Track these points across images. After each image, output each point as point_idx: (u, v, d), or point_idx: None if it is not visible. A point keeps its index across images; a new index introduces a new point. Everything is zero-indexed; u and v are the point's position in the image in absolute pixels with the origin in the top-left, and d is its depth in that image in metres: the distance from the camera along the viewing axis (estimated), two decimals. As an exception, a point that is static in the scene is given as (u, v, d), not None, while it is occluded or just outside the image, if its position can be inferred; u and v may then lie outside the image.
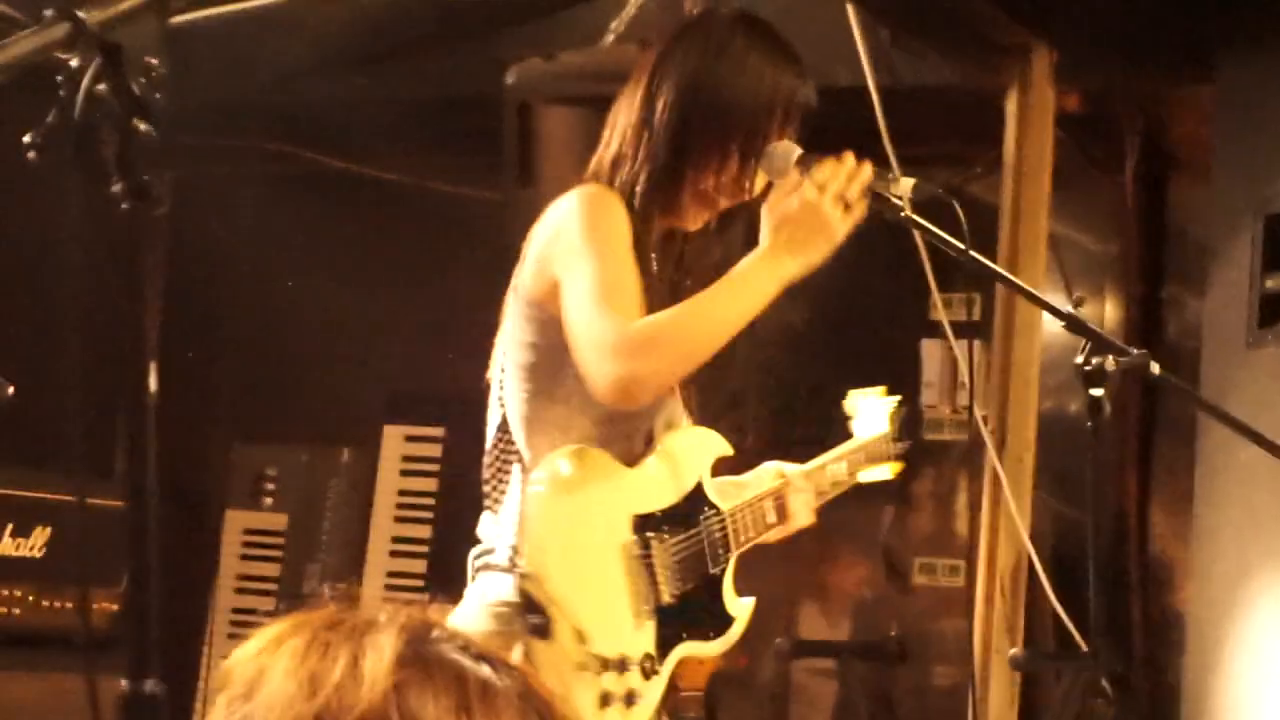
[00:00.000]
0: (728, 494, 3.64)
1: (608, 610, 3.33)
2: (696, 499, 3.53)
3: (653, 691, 3.39)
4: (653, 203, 3.45)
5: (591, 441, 3.38)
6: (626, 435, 3.44)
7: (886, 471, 4.14)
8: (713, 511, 3.54)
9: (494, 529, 3.41)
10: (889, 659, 6.24)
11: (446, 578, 6.34)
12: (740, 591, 3.59)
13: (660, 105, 3.46)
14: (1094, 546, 3.59)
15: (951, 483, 6.33)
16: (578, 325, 3.29)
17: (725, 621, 3.56)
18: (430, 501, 6.44)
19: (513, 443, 3.43)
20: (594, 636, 3.27)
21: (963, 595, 6.13)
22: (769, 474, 3.75)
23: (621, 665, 3.31)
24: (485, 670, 1.40)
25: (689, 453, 3.54)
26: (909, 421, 4.15)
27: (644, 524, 3.41)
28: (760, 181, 3.50)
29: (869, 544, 6.36)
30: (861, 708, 6.44)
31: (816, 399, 6.26)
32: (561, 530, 3.30)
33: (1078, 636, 5.41)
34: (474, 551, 3.44)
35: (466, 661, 1.40)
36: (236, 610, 6.59)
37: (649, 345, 3.25)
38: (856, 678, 6.36)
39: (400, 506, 6.51)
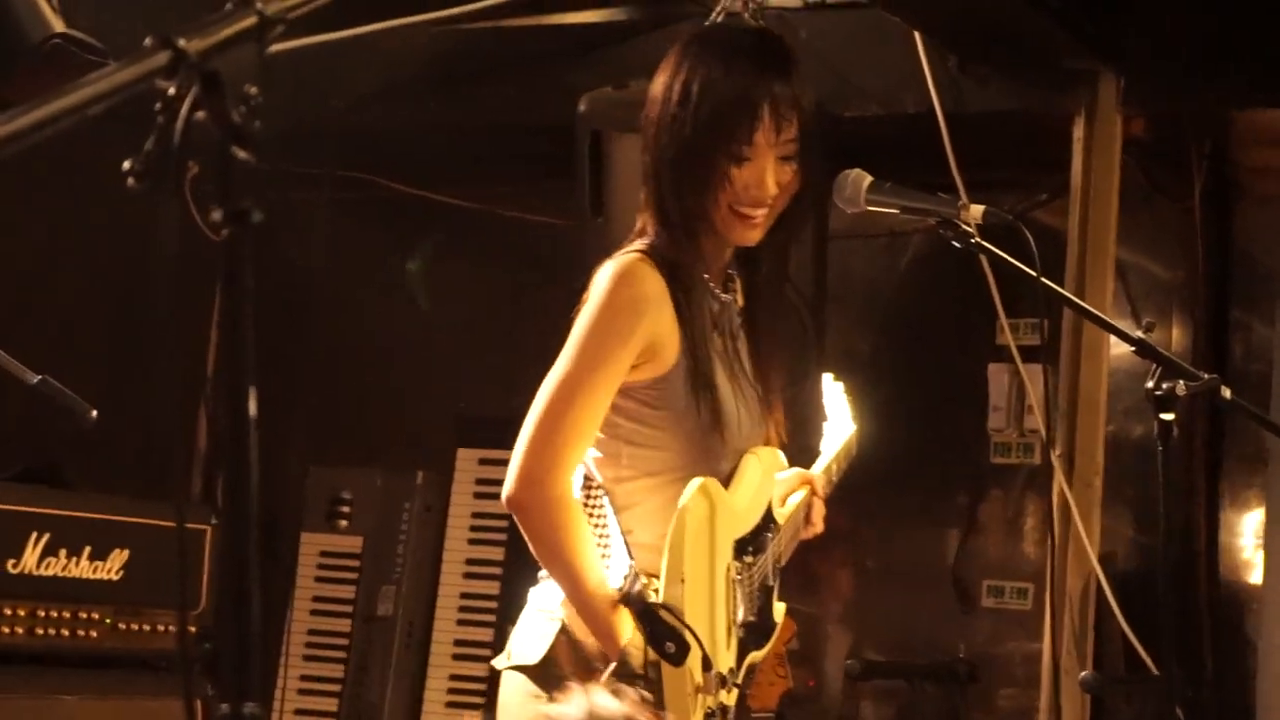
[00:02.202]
0: (784, 507, 3.70)
1: (716, 633, 3.39)
2: (768, 519, 3.58)
3: (732, 702, 3.45)
4: (688, 234, 3.49)
5: (682, 469, 3.44)
6: (716, 457, 3.50)
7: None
8: (775, 529, 3.60)
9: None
10: (958, 681, 6.24)
11: (519, 599, 6.40)
12: (808, 612, 3.65)
13: (661, 133, 3.48)
14: (1165, 569, 3.60)
15: (1019, 506, 6.34)
16: (535, 415, 3.37)
17: (772, 627, 3.63)
18: (503, 524, 6.46)
19: (595, 485, 3.49)
20: (715, 659, 3.34)
21: (1031, 618, 6.14)
22: (795, 479, 3.77)
23: (723, 683, 3.38)
24: None
25: (764, 474, 3.58)
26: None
27: (740, 548, 3.48)
28: (773, 177, 3.48)
29: (937, 566, 6.37)
30: (931, 730, 6.45)
31: (885, 425, 6.29)
32: (692, 562, 3.35)
33: (1147, 659, 5.42)
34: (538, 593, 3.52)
35: None
36: (313, 632, 6.63)
37: (545, 525, 3.35)
38: (925, 699, 6.37)
39: (474, 529, 6.54)
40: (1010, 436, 6.25)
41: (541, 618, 3.44)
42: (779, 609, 3.65)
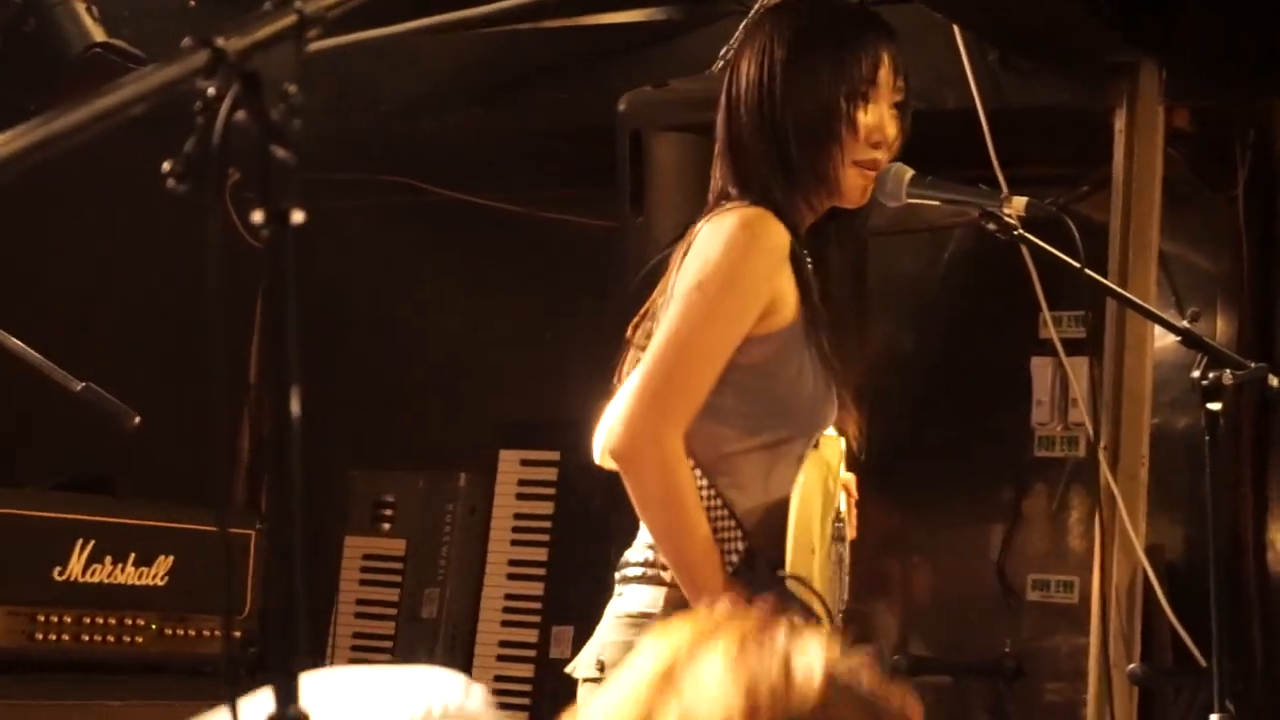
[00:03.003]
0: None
1: (828, 611, 3.36)
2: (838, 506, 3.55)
3: None
4: (799, 188, 3.46)
5: (787, 435, 3.40)
6: (817, 428, 3.46)
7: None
8: (841, 520, 3.56)
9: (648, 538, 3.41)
10: (1004, 676, 6.22)
11: (563, 599, 6.40)
12: (853, 608, 3.60)
13: (769, 83, 3.46)
14: (1214, 561, 3.58)
15: (1064, 499, 6.31)
16: (649, 365, 3.31)
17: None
18: (547, 524, 6.47)
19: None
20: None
21: (1077, 612, 6.12)
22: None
23: None
24: (890, 703, 1.51)
25: (838, 459, 3.53)
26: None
27: (837, 529, 3.45)
28: (891, 127, 3.47)
29: (982, 561, 6.35)
30: (978, 725, 6.43)
31: (929, 420, 6.28)
32: (819, 532, 3.30)
33: (1196, 652, 5.39)
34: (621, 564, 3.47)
35: (877, 691, 1.49)
36: (357, 635, 6.65)
37: (656, 482, 3.28)
38: (971, 695, 6.35)
39: (517, 530, 6.55)
40: (1054, 430, 6.23)
41: (628, 626, 3.38)
42: None
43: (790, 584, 3.22)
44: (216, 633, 5.04)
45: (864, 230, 3.64)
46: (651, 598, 3.37)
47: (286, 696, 1.79)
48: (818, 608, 3.22)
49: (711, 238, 3.36)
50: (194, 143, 1.75)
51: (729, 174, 3.49)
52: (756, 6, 5.03)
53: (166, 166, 1.77)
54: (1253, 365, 3.51)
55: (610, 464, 3.37)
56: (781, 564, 3.26)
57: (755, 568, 3.26)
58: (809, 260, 3.49)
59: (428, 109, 6.17)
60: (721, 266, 3.33)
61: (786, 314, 3.36)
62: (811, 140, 3.42)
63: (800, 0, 3.65)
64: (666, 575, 3.35)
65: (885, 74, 3.45)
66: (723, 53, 5.16)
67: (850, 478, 3.71)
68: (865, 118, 3.43)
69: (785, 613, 3.16)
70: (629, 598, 3.38)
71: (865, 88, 3.43)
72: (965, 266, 6.42)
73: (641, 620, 3.35)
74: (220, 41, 1.71)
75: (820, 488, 3.34)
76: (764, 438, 3.36)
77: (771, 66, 3.45)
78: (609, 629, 3.39)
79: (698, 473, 3.36)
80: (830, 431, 3.56)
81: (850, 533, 3.70)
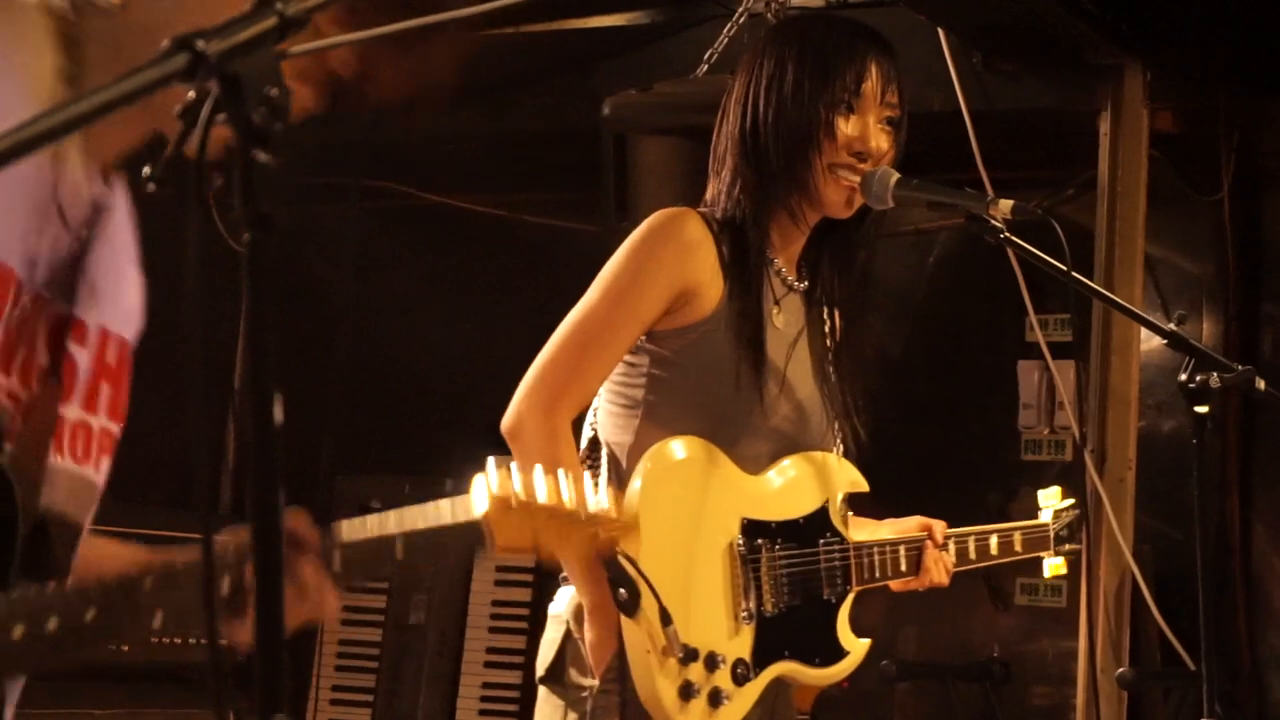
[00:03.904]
0: (860, 529, 3.64)
1: (699, 602, 3.32)
2: (819, 522, 3.51)
3: (744, 698, 3.37)
4: (775, 194, 3.46)
5: (708, 432, 3.39)
6: (751, 431, 3.45)
7: (1049, 567, 4.15)
8: (835, 539, 3.53)
9: None
10: (993, 680, 6.22)
11: (550, 606, 6.40)
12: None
13: (755, 92, 3.47)
14: (1201, 564, 3.57)
15: (1052, 503, 6.31)
16: (549, 348, 3.37)
17: (836, 652, 3.54)
18: (534, 531, 6.46)
19: (596, 459, 3.44)
20: (680, 622, 3.25)
21: (1065, 615, 6.12)
22: (912, 524, 3.75)
23: (710, 661, 3.30)
24: None
25: (816, 477, 3.52)
26: (1077, 525, 4.15)
27: (754, 529, 3.40)
28: (875, 138, 3.47)
29: (970, 566, 6.34)
30: (966, 730, 6.42)
31: (916, 424, 6.28)
32: (662, 511, 3.29)
33: (1184, 655, 5.39)
34: None
35: None
36: (344, 642, 6.63)
37: (529, 446, 3.29)
38: (960, 699, 6.35)
39: (504, 536, 6.53)
40: (1041, 433, 6.23)
41: (552, 625, 3.43)
42: (855, 640, 3.58)
43: (621, 559, 3.23)
44: (202, 640, 5.03)
45: (870, 249, 3.63)
46: (563, 597, 3.44)
47: (271, 705, 1.78)
48: (641, 585, 3.21)
49: (628, 237, 3.42)
50: (173, 146, 1.74)
51: (711, 178, 3.52)
52: (740, 10, 5.05)
53: (146, 170, 1.76)
54: (1239, 368, 3.50)
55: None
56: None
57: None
58: (802, 271, 3.51)
59: (411, 112, 6.16)
60: (624, 260, 3.39)
61: (704, 306, 3.39)
62: (790, 146, 3.43)
63: (802, 17, 3.67)
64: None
65: (872, 86, 3.45)
66: (706, 56, 5.17)
67: (936, 524, 3.73)
68: (846, 127, 3.44)
69: (612, 584, 3.20)
70: (557, 598, 3.44)
71: (848, 97, 3.43)
72: (951, 269, 6.42)
73: (555, 619, 3.42)
74: (200, 44, 1.70)
75: (685, 473, 3.32)
76: (675, 430, 3.37)
77: (759, 80, 3.47)
78: (547, 628, 3.45)
79: (610, 467, 3.40)
80: (846, 464, 3.58)
81: (920, 581, 3.72)
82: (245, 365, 1.78)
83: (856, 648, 3.59)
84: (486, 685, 6.44)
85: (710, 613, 3.34)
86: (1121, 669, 5.35)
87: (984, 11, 5.18)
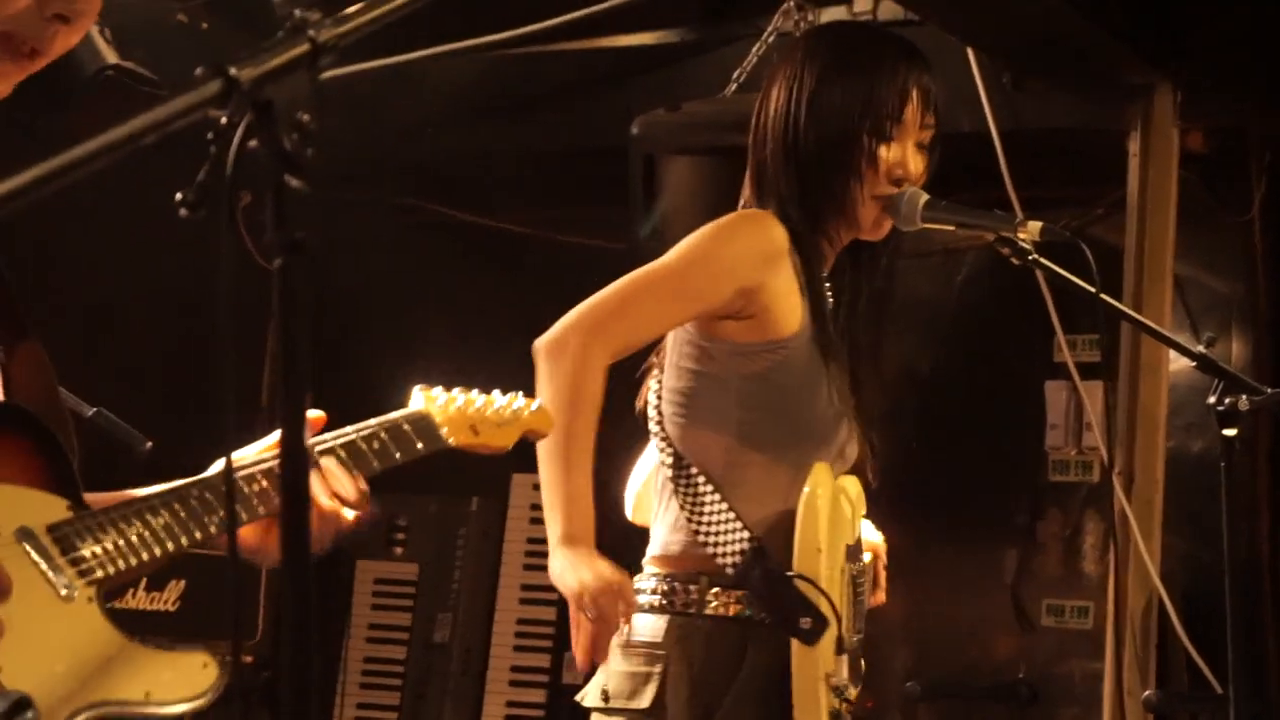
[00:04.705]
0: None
1: (837, 630, 3.32)
2: (859, 544, 3.52)
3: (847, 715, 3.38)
4: (816, 214, 3.46)
5: (797, 450, 3.39)
6: (829, 447, 3.44)
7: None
8: (863, 561, 3.54)
9: (717, 531, 3.38)
10: (1019, 701, 6.20)
11: (576, 625, 6.38)
12: (867, 632, 3.56)
13: (798, 111, 3.46)
14: (1230, 587, 3.56)
15: (1078, 524, 6.29)
16: (594, 296, 3.36)
17: (859, 674, 3.52)
18: (560, 549, 6.46)
19: (689, 472, 3.40)
20: (842, 647, 3.26)
21: (1091, 637, 6.09)
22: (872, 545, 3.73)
23: (840, 689, 3.30)
24: None
25: (849, 501, 3.50)
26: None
27: (850, 553, 3.41)
28: (915, 163, 3.47)
29: (996, 586, 6.32)
30: (992, 751, 6.41)
31: (943, 443, 6.26)
32: (828, 536, 3.28)
33: (1211, 678, 5.37)
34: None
35: None
36: (369, 659, 6.63)
37: (562, 374, 3.29)
38: (986, 719, 6.33)
39: (529, 554, 6.53)
40: (1068, 454, 6.21)
41: (633, 655, 3.38)
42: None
43: (797, 582, 3.20)
44: (230, 657, 5.04)
45: (892, 263, 3.63)
46: (656, 627, 3.36)
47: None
48: (824, 606, 3.19)
49: (708, 223, 3.40)
50: (207, 171, 1.74)
51: (752, 196, 3.51)
52: (769, 30, 5.05)
53: (180, 195, 1.76)
54: (1269, 391, 3.49)
55: (641, 519, 3.39)
56: (789, 566, 3.26)
57: (760, 566, 3.25)
58: (830, 291, 3.50)
59: (442, 131, 6.17)
60: (704, 237, 3.38)
61: (791, 321, 3.38)
62: (831, 172, 3.42)
63: (839, 24, 3.65)
64: (676, 602, 3.33)
65: (913, 111, 3.45)
66: (736, 75, 5.17)
67: (880, 544, 3.70)
68: (888, 154, 3.44)
69: (789, 611, 3.17)
70: (634, 627, 3.37)
71: (890, 125, 3.43)
72: (979, 289, 6.40)
73: (645, 650, 3.33)
74: (233, 70, 1.71)
75: (829, 498, 3.31)
76: (772, 451, 3.35)
77: (800, 93, 3.45)
78: (615, 658, 3.38)
79: (709, 487, 3.36)
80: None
81: (877, 596, 3.68)
82: (276, 387, 1.79)
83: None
84: (511, 704, 6.43)
85: (834, 637, 3.34)
86: (1148, 691, 5.33)
87: (1013, 31, 5.16)
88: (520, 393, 3.05)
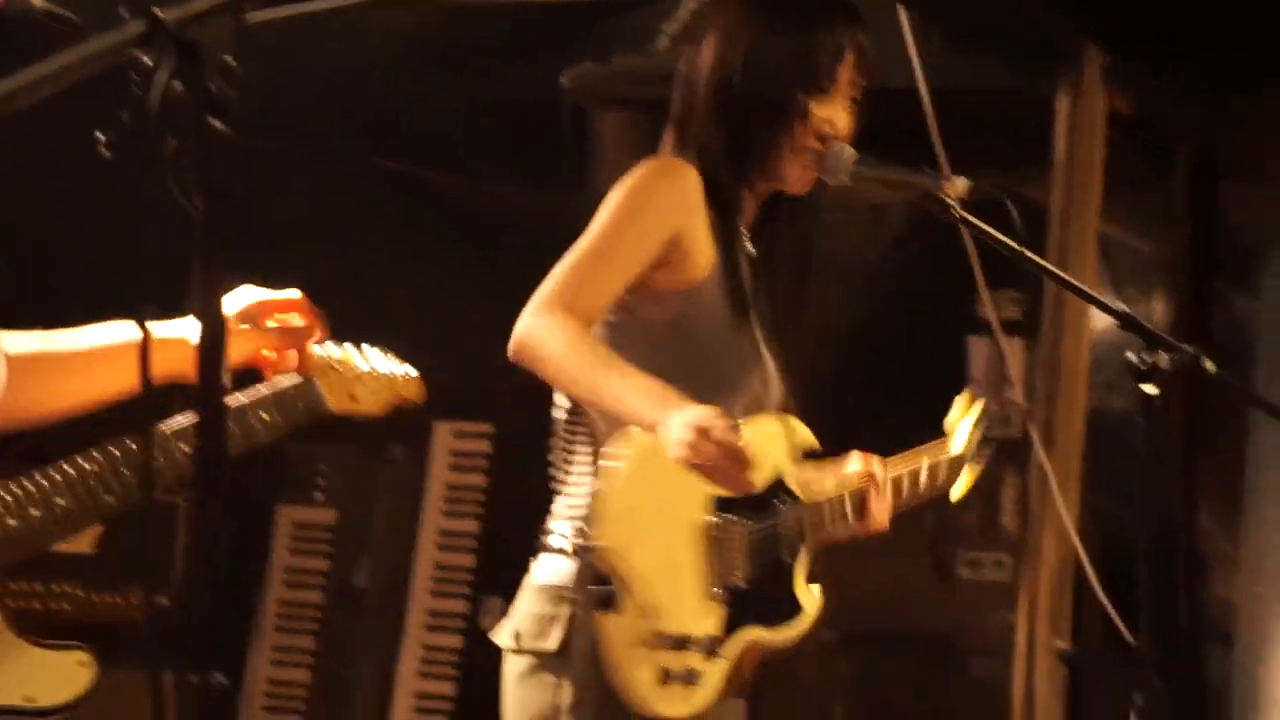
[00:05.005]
0: (810, 485, 3.62)
1: (675, 587, 3.31)
2: (776, 487, 3.52)
3: (715, 672, 3.37)
4: (740, 166, 3.46)
5: (699, 395, 3.37)
6: (733, 394, 3.44)
7: (960, 484, 4.14)
8: (792, 501, 3.53)
9: (561, 508, 3.42)
10: (934, 652, 6.24)
11: (495, 572, 6.38)
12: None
13: (730, 64, 3.45)
14: (1143, 541, 3.59)
15: (998, 478, 6.33)
16: (543, 284, 3.32)
17: (795, 610, 3.55)
18: (479, 496, 6.46)
19: (581, 423, 3.43)
20: (660, 613, 3.26)
21: (1009, 589, 6.13)
22: (855, 473, 3.73)
23: (682, 643, 3.30)
24: None
25: (770, 440, 3.51)
26: (991, 426, 4.13)
27: (723, 506, 3.39)
28: (844, 120, 3.48)
29: (915, 538, 6.36)
30: (907, 700, 6.44)
31: (865, 398, 6.28)
32: (638, 504, 3.27)
33: (1126, 632, 5.42)
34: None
35: None
36: (286, 604, 6.62)
37: (547, 343, 3.25)
38: (902, 670, 6.37)
39: (449, 501, 6.52)
40: (989, 409, 6.24)
41: (542, 598, 3.39)
42: (809, 593, 3.58)
43: (594, 558, 3.22)
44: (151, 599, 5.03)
45: (813, 218, 3.64)
46: (563, 569, 3.37)
47: (208, 664, 1.79)
48: (616, 584, 3.20)
49: (624, 179, 3.41)
50: (129, 112, 1.73)
51: (674, 144, 3.50)
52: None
53: (101, 136, 1.75)
54: (1187, 349, 3.51)
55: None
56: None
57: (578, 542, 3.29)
58: (748, 239, 3.51)
59: (373, 80, 6.14)
60: (625, 198, 3.38)
61: (702, 266, 3.39)
62: (762, 125, 3.43)
63: None
64: (593, 538, 3.33)
65: (847, 69, 3.47)
66: (666, 28, 5.16)
67: (858, 472, 3.72)
68: (819, 110, 3.45)
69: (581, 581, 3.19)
70: (543, 569, 3.39)
71: (825, 83, 3.44)
72: (905, 245, 6.42)
73: (553, 592, 3.35)
74: (158, 11, 1.70)
75: (660, 457, 3.29)
76: (695, 395, 3.34)
77: (735, 45, 3.46)
78: (525, 599, 3.40)
79: (582, 434, 3.41)
80: (795, 423, 3.56)
81: (866, 526, 3.70)
82: (199, 319, 1.77)
83: (812, 602, 3.59)
84: (427, 648, 6.43)
85: (682, 595, 3.34)
86: (1062, 644, 5.37)
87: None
88: (394, 357, 3.07)
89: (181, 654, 1.80)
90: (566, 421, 3.47)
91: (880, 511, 3.72)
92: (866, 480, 3.70)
